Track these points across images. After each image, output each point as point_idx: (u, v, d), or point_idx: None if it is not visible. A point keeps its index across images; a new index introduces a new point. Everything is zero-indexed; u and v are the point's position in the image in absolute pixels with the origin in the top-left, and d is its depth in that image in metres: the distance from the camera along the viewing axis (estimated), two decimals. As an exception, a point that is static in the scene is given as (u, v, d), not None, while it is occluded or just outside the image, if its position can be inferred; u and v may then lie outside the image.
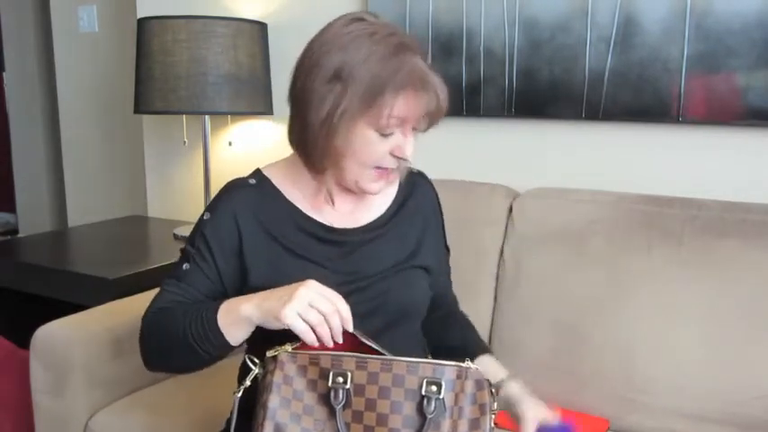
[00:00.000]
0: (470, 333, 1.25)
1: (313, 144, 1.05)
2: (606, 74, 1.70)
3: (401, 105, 1.01)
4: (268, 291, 0.97)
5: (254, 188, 1.13)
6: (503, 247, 1.62)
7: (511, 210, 1.66)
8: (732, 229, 1.43)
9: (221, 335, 0.98)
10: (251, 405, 0.99)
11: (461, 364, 0.94)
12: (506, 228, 1.64)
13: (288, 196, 1.13)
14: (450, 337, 1.23)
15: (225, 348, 1.00)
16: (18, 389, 1.74)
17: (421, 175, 1.26)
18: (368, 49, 1.00)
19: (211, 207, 1.12)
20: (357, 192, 1.11)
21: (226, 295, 1.09)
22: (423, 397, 0.91)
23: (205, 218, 1.11)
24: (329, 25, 1.07)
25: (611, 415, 1.44)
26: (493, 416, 0.94)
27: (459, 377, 0.93)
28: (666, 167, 1.70)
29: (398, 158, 1.06)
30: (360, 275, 1.12)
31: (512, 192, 1.72)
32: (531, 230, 1.60)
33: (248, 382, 0.98)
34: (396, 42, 1.01)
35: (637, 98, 1.68)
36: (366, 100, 1.00)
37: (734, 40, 1.56)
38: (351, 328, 0.94)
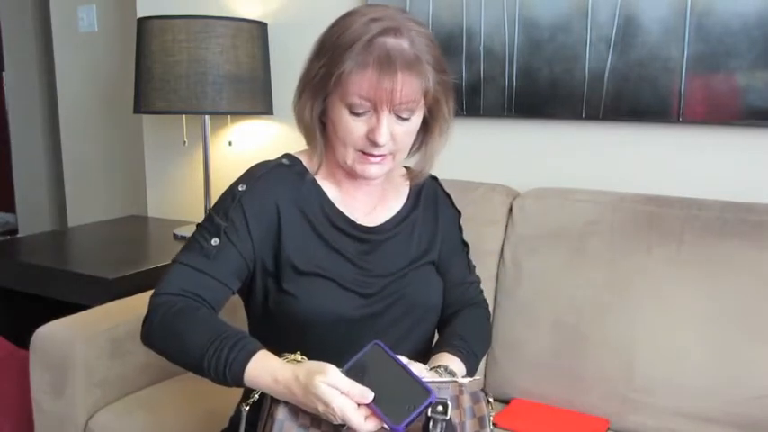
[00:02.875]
0: (455, 327, 1.18)
1: (300, 116, 1.09)
2: (606, 74, 1.70)
3: (363, 83, 0.99)
4: (293, 377, 0.91)
5: (289, 168, 1.12)
6: (503, 247, 1.62)
7: (511, 210, 1.66)
8: (732, 229, 1.43)
9: (241, 382, 0.94)
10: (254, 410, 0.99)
11: (458, 379, 0.93)
12: (506, 228, 1.64)
13: (319, 183, 1.13)
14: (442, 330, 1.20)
15: (236, 387, 0.97)
16: (18, 389, 1.74)
17: (432, 178, 1.25)
18: (348, 26, 1.01)
19: (246, 180, 1.09)
20: (358, 176, 1.10)
21: (252, 275, 1.08)
22: (429, 418, 0.89)
23: (240, 189, 1.08)
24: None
25: (612, 415, 1.44)
26: (491, 424, 0.95)
27: (460, 393, 0.92)
28: (666, 167, 1.70)
29: (373, 143, 1.03)
30: (379, 273, 1.12)
31: (512, 192, 1.72)
32: (531, 230, 1.60)
33: (257, 396, 0.96)
34: (379, 24, 0.99)
35: (637, 98, 1.68)
36: (329, 72, 1.01)
37: (734, 41, 1.56)
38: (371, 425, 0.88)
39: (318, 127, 1.09)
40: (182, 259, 1.07)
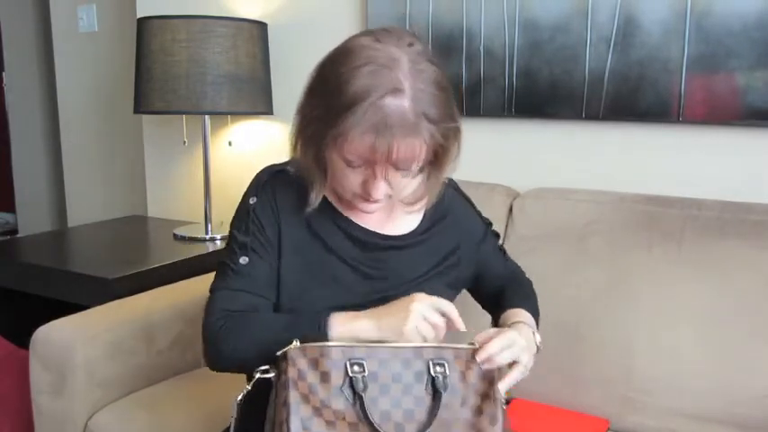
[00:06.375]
0: (513, 293, 1.24)
1: (299, 160, 1.06)
2: (606, 74, 1.70)
3: (359, 146, 0.94)
4: (378, 308, 1.01)
5: (294, 175, 1.12)
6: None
7: (511, 210, 1.66)
8: (732, 229, 1.43)
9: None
10: (251, 409, 0.99)
11: (459, 345, 0.99)
12: (506, 228, 1.64)
13: (326, 195, 1.12)
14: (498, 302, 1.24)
15: None
16: (18, 389, 1.74)
17: (449, 184, 1.21)
18: (348, 77, 0.94)
19: (254, 190, 1.12)
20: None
21: (278, 280, 1.09)
22: (431, 377, 0.96)
23: (251, 202, 1.10)
24: (353, 36, 1.01)
25: (612, 415, 1.44)
26: (503, 405, 0.98)
27: (458, 357, 0.98)
28: (666, 167, 1.70)
29: (369, 194, 1.01)
30: (384, 283, 1.11)
31: (512, 192, 1.72)
32: (531, 230, 1.60)
33: (249, 387, 0.98)
34: (381, 82, 0.93)
35: (637, 98, 1.68)
36: (325, 128, 0.96)
37: (734, 41, 1.56)
38: (462, 328, 1.00)
39: (319, 166, 1.05)
40: (217, 286, 1.08)
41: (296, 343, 0.95)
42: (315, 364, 0.94)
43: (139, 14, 2.41)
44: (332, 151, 0.99)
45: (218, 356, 1.04)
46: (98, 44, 2.97)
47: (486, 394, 0.97)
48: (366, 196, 1.02)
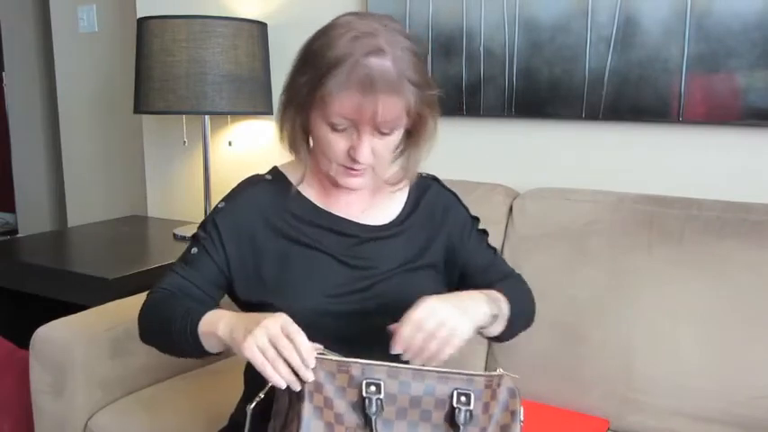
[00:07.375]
0: (497, 284, 1.18)
1: (281, 124, 1.10)
2: (606, 74, 1.70)
3: (345, 105, 0.99)
4: (245, 315, 0.97)
5: (270, 183, 1.17)
6: (503, 247, 1.62)
7: (511, 210, 1.66)
8: (732, 229, 1.43)
9: (199, 341, 1.00)
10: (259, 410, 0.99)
11: (493, 373, 0.96)
12: (506, 228, 1.64)
13: (302, 191, 1.16)
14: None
15: (203, 353, 1.02)
16: (17, 389, 1.74)
17: (433, 179, 1.25)
18: (331, 43, 1.00)
19: (227, 197, 1.16)
20: (341, 186, 1.11)
21: (232, 283, 1.13)
22: (453, 408, 0.93)
23: (220, 206, 1.15)
24: (336, 17, 1.07)
25: (612, 415, 1.44)
26: (521, 423, 0.97)
27: (488, 386, 0.95)
28: (666, 167, 1.70)
29: (354, 159, 1.04)
30: (368, 272, 1.13)
31: (512, 192, 1.72)
32: (531, 230, 1.60)
33: (262, 395, 0.95)
34: (363, 44, 0.98)
35: (637, 98, 1.68)
36: (312, 91, 1.01)
37: (734, 41, 1.56)
38: (310, 374, 0.90)
39: (302, 137, 1.10)
40: (171, 267, 1.15)
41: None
42: (332, 377, 0.92)
43: (139, 14, 2.41)
44: (317, 117, 1.03)
45: (139, 329, 1.13)
46: (98, 44, 2.97)
47: (507, 425, 0.95)
48: (351, 164, 1.05)
